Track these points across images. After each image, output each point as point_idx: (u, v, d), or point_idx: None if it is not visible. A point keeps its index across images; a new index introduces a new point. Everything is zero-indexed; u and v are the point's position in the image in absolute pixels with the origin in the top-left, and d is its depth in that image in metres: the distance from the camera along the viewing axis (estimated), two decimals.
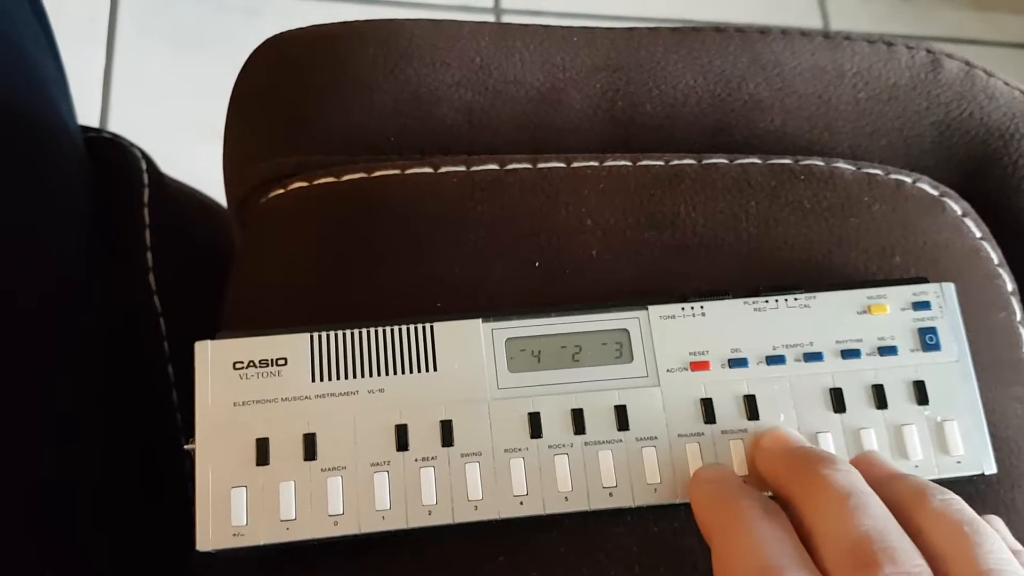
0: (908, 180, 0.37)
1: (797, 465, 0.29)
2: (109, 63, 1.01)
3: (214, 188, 0.54)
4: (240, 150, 0.40)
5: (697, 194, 0.36)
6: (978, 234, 0.37)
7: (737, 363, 0.32)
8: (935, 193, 0.37)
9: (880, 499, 0.26)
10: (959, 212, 0.37)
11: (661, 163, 0.37)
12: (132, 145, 0.48)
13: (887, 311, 0.33)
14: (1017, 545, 0.26)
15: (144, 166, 0.46)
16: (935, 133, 0.39)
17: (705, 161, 0.37)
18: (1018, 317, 0.36)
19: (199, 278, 0.47)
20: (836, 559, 0.24)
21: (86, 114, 0.48)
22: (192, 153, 0.69)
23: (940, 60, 0.40)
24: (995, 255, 0.37)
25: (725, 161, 0.37)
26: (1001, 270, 0.37)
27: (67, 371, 0.38)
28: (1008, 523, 0.29)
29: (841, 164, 0.37)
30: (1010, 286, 0.37)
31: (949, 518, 0.25)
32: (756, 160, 0.37)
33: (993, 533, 0.25)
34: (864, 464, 0.29)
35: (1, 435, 0.34)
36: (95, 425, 0.39)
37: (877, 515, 0.25)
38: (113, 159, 0.47)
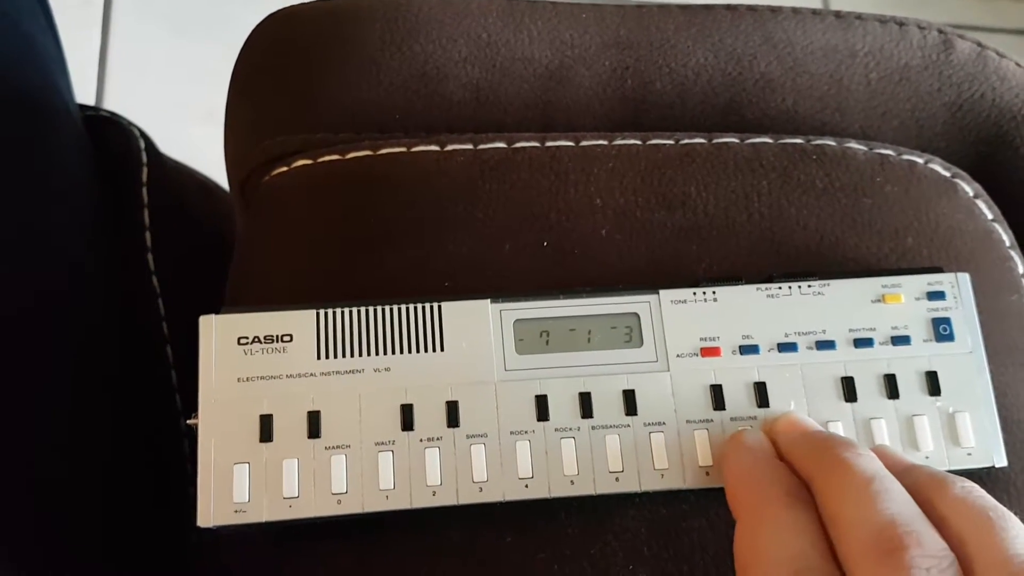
0: (920, 161, 0.37)
1: (816, 449, 0.28)
2: (104, 45, 1.00)
3: (212, 172, 0.54)
4: (243, 128, 0.39)
5: (708, 174, 0.35)
6: (990, 216, 0.37)
7: (748, 350, 0.32)
8: (947, 174, 0.37)
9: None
10: (971, 194, 0.37)
11: (671, 142, 0.36)
12: (130, 124, 0.47)
13: (901, 300, 0.33)
14: None
15: (142, 145, 0.46)
16: (947, 114, 0.39)
17: (716, 140, 0.36)
18: None
19: (198, 258, 0.46)
20: (861, 546, 0.24)
21: (82, 97, 0.47)
22: (190, 136, 0.68)
23: (952, 41, 0.39)
24: (1007, 237, 0.36)
25: (736, 140, 0.36)
26: (1013, 252, 0.36)
27: (69, 352, 0.37)
28: (1020, 506, 0.28)
29: (853, 144, 0.36)
30: (1021, 268, 0.36)
31: (972, 504, 0.25)
32: (767, 140, 0.36)
33: (1016, 519, 0.24)
34: (878, 455, 0.28)
35: (3, 419, 0.33)
36: (98, 407, 0.38)
37: (900, 500, 0.25)
38: (111, 137, 0.46)
